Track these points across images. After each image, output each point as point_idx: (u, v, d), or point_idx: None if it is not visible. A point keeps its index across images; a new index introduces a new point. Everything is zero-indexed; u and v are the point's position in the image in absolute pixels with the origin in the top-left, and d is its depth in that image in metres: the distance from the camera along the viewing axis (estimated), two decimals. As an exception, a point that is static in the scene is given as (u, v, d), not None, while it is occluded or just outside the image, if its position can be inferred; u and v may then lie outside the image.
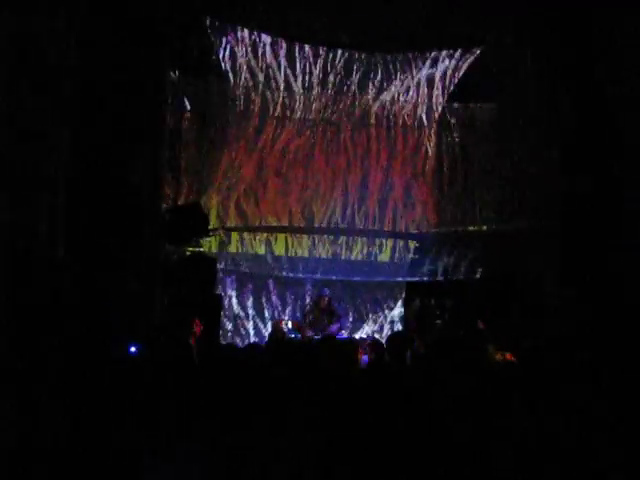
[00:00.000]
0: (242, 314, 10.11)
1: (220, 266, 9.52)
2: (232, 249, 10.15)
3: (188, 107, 9.66)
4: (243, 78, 10.13)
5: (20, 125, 4.11)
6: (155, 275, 6.99)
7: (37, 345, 3.54)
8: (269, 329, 9.50)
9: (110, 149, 5.99)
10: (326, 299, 9.12)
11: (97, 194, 5.64)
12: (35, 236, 3.92)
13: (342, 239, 10.48)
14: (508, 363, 4.67)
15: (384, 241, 10.58)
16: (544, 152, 8.11)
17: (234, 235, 10.18)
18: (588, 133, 7.44)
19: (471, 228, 10.05)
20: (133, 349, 5.71)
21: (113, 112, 6.05)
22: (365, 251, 10.53)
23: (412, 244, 10.65)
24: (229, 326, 9.91)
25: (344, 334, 9.36)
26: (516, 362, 4.53)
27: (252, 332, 10.08)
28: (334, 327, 8.86)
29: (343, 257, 10.42)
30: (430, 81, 10.41)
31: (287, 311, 10.14)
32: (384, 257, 10.57)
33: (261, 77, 10.17)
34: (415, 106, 10.58)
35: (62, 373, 3.63)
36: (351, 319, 10.26)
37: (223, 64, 9.93)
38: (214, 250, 9.79)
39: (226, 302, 9.82)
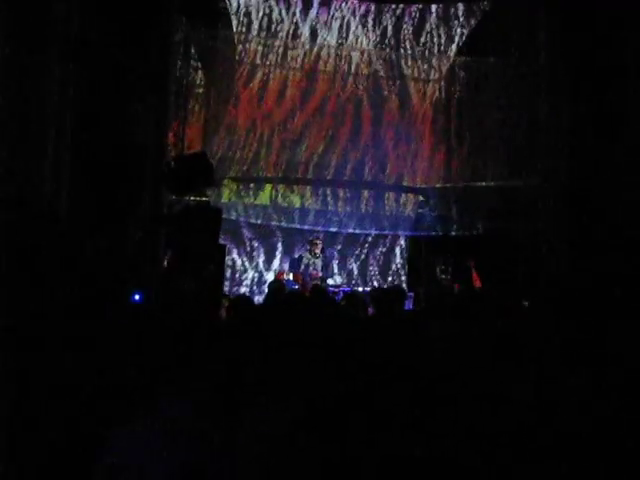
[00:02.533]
0: (243, 265, 10.19)
1: (224, 216, 9.52)
2: (235, 199, 10.13)
3: (195, 56, 9.52)
4: (253, 25, 9.94)
5: (23, 73, 4.09)
6: (159, 224, 7.03)
7: (40, 297, 3.60)
8: (270, 280, 9.55)
9: (116, 99, 5.96)
10: (318, 241, 9.20)
11: (102, 144, 5.65)
12: (39, 187, 3.95)
13: (347, 191, 10.43)
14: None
15: (390, 194, 10.54)
16: (554, 109, 8.02)
17: (238, 185, 10.15)
18: (599, 89, 7.34)
19: (478, 184, 10.00)
20: (137, 297, 5.80)
21: (119, 61, 6.00)
22: (371, 204, 10.49)
23: (418, 198, 10.63)
24: (230, 276, 9.99)
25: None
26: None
27: (253, 283, 10.18)
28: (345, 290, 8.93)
29: (349, 209, 10.39)
30: (440, 34, 10.22)
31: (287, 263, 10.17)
32: (389, 210, 10.54)
33: (270, 25, 9.98)
34: (424, 59, 10.41)
35: (66, 323, 3.70)
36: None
37: (230, 9, 9.72)
38: (220, 200, 9.78)
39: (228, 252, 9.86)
